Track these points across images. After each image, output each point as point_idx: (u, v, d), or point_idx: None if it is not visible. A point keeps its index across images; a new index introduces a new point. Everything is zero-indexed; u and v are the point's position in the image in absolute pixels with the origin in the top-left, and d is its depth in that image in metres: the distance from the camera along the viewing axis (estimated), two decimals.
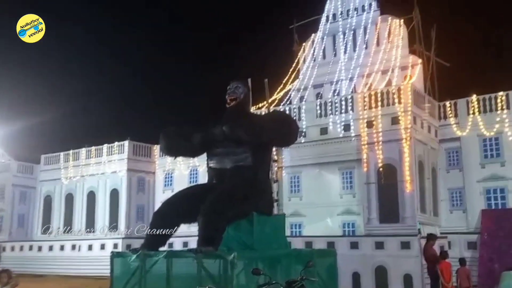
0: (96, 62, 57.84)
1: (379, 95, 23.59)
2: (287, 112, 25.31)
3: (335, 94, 26.71)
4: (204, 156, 15.52)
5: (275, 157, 23.74)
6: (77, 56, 64.50)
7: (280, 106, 26.99)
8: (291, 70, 29.48)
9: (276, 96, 28.41)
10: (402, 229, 21.65)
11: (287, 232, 21.72)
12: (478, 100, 24.47)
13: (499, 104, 23.86)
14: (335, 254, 17.46)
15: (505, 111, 23.65)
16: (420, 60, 25.97)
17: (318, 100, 26.49)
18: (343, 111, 24.65)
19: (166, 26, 62.90)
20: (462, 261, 16.20)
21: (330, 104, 25.18)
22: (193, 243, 16.04)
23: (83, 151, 34.19)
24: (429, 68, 26.23)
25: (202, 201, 13.46)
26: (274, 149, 21.49)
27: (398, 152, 22.59)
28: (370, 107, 23.67)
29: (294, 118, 24.16)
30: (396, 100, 23.01)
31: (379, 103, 23.43)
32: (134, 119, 53.24)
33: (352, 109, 24.33)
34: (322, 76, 28.02)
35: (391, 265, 20.39)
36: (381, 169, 22.90)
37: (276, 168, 24.48)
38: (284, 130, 14.66)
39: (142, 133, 34.02)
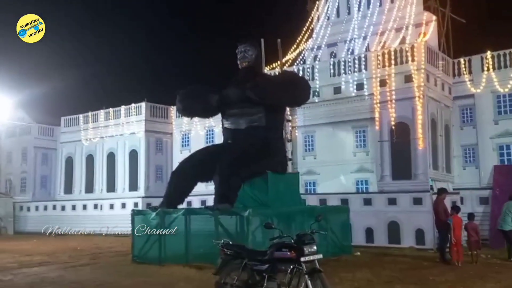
0: (113, 26, 58.04)
1: (392, 53, 23.59)
2: (301, 72, 25.46)
3: (349, 53, 26.69)
4: (220, 116, 15.92)
5: (289, 117, 24.05)
6: (94, 20, 64.64)
7: (294, 66, 27.09)
8: (304, 29, 29.38)
9: (290, 56, 28.46)
10: (414, 186, 22.03)
11: (302, 190, 22.28)
12: (492, 57, 24.33)
13: None
14: (348, 210, 18.06)
15: None
16: (434, 17, 25.70)
17: (332, 59, 26.51)
18: (356, 70, 24.74)
19: None
20: (470, 216, 16.48)
21: (343, 63, 25.24)
22: (210, 201, 16.66)
23: (101, 112, 34.73)
24: (444, 24, 26.00)
25: (218, 161, 13.99)
26: (288, 109, 21.80)
27: (411, 110, 22.77)
28: (384, 66, 23.73)
29: (307, 78, 24.36)
30: (410, 58, 23.02)
31: (393, 62, 23.46)
32: (150, 81, 54.03)
33: (366, 68, 24.39)
34: (335, 35, 27.95)
35: (403, 220, 20.88)
36: (393, 127, 23.15)
37: (290, 128, 24.83)
38: (293, 90, 15.00)
39: (159, 95, 34.37)
